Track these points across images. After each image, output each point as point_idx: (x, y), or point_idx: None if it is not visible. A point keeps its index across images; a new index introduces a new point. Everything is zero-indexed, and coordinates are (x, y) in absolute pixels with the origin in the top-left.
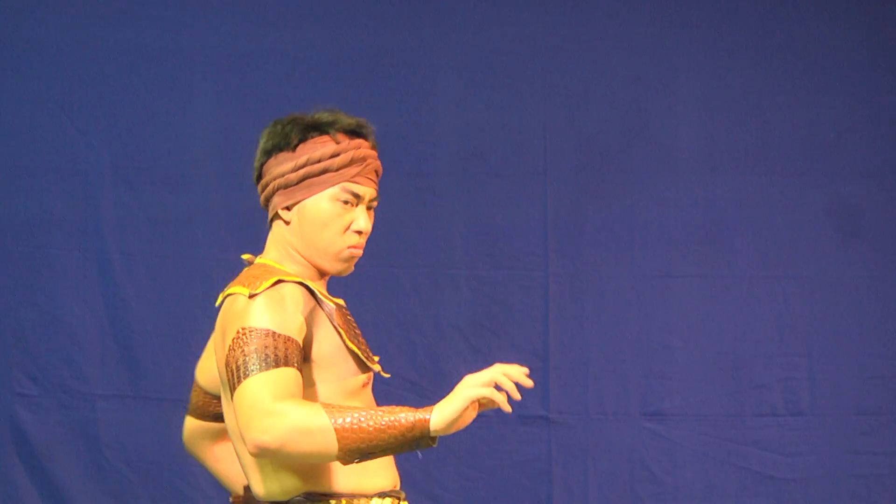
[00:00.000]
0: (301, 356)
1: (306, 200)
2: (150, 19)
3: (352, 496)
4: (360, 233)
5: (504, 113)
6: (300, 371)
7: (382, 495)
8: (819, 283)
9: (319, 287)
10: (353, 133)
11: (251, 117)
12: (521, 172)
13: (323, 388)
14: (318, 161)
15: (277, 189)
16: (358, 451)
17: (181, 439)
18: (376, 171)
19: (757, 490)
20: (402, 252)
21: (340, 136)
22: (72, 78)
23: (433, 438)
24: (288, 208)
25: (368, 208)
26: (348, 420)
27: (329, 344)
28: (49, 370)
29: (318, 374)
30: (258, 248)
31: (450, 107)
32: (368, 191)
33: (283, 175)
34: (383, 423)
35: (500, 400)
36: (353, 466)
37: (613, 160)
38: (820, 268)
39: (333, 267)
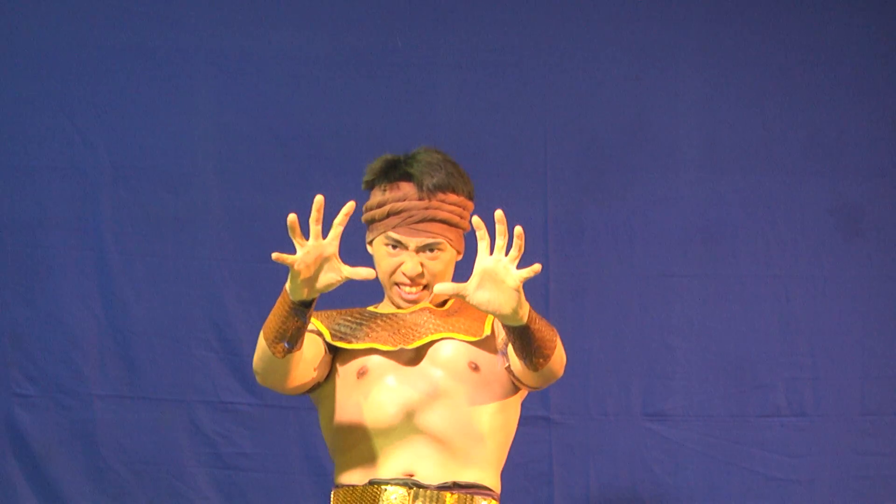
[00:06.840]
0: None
1: (373, 240)
2: (150, 19)
3: None
4: (411, 278)
5: (504, 113)
6: None
7: None
8: (822, 282)
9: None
10: (403, 181)
11: (251, 117)
12: (521, 172)
13: None
14: (369, 210)
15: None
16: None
17: (179, 439)
18: (433, 219)
19: (760, 491)
20: None
21: (388, 186)
22: (72, 78)
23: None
24: (370, 243)
25: (430, 251)
26: None
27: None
28: (47, 370)
29: None
30: (257, 248)
31: (450, 107)
32: (412, 240)
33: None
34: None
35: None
36: None
37: (613, 160)
38: (823, 267)
39: (394, 302)
